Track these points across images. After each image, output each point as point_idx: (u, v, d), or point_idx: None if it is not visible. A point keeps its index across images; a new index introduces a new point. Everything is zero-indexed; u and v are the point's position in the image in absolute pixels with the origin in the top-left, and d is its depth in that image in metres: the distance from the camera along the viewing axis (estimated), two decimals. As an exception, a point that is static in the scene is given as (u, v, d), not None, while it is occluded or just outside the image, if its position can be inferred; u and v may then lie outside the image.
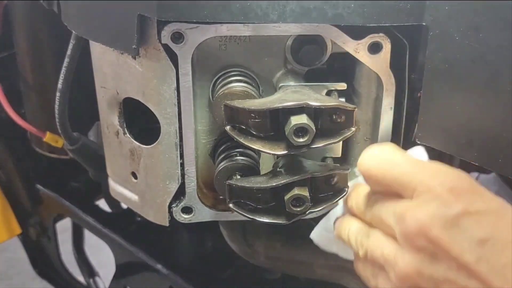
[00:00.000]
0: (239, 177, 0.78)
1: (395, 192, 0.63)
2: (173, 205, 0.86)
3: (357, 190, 0.72)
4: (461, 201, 0.56)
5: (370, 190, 0.69)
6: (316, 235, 0.81)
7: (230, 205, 0.76)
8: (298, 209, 0.72)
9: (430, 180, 0.59)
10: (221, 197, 0.84)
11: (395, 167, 0.62)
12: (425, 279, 0.58)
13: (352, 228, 0.70)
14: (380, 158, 0.65)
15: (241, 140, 0.72)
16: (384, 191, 0.65)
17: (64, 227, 1.65)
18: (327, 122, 0.71)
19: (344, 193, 0.76)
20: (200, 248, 1.32)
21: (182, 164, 0.82)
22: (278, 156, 0.77)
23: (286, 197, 0.72)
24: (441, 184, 0.58)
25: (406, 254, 0.59)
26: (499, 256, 0.55)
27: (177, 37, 0.73)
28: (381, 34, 0.73)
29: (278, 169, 0.76)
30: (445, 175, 0.59)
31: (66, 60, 0.92)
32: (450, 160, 1.19)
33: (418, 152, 0.71)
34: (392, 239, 0.63)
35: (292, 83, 0.78)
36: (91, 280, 1.61)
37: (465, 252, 0.55)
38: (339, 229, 0.73)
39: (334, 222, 0.75)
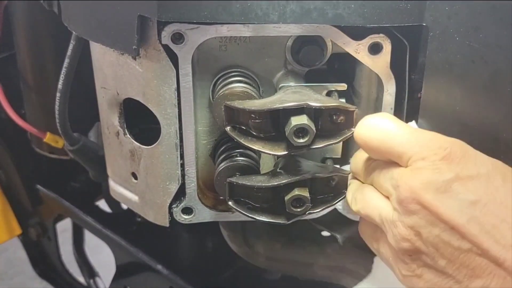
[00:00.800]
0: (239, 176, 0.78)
1: (391, 160, 0.65)
2: (173, 205, 0.86)
3: (357, 156, 0.74)
4: (453, 167, 0.59)
5: (368, 156, 0.71)
6: None
7: (230, 203, 0.76)
8: (298, 209, 0.73)
9: (424, 148, 0.61)
10: (221, 197, 0.85)
11: (391, 138, 0.64)
12: (423, 241, 0.61)
13: (351, 186, 0.74)
14: (375, 128, 0.66)
15: (241, 140, 0.72)
16: (381, 158, 0.67)
17: (64, 228, 1.65)
18: (327, 122, 0.71)
19: (344, 195, 0.76)
20: (200, 248, 1.32)
21: (182, 165, 0.82)
22: (278, 156, 0.77)
23: (287, 198, 0.72)
24: (435, 153, 0.60)
25: (403, 217, 0.62)
26: (489, 217, 0.57)
27: (178, 37, 0.73)
28: (381, 35, 0.73)
29: (278, 170, 0.76)
30: (439, 143, 0.61)
31: (66, 60, 0.92)
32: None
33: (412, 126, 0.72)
34: (389, 202, 0.65)
35: (292, 83, 0.78)
36: (91, 281, 1.61)
37: (456, 215, 0.58)
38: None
39: None
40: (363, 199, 0.70)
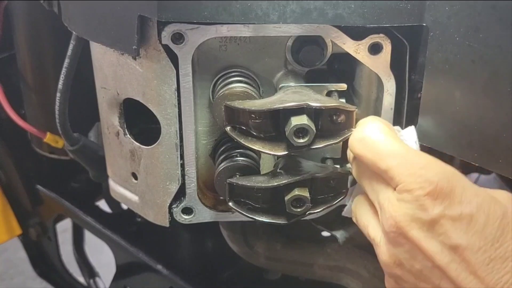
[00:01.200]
0: (239, 176, 0.78)
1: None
2: (174, 205, 0.86)
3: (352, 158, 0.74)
4: (437, 206, 0.58)
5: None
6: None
7: (230, 203, 0.76)
8: (298, 209, 0.73)
9: (412, 179, 0.60)
10: (221, 197, 0.85)
11: (382, 158, 0.63)
12: (404, 271, 0.62)
13: (355, 196, 0.74)
14: (368, 145, 0.65)
15: (242, 140, 0.72)
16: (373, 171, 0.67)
17: (64, 228, 1.65)
18: (328, 122, 0.71)
19: (344, 195, 0.76)
20: (200, 248, 1.32)
21: (182, 165, 0.82)
22: (278, 156, 0.78)
23: (287, 198, 0.72)
24: (421, 186, 0.59)
25: (388, 246, 0.63)
26: (468, 263, 0.57)
27: (178, 37, 0.73)
28: (381, 35, 0.73)
29: (278, 170, 0.76)
30: (427, 176, 0.59)
31: (67, 60, 0.93)
32: (450, 160, 1.20)
33: (409, 133, 0.71)
34: (378, 221, 0.65)
35: (292, 83, 0.78)
36: (91, 281, 1.61)
37: (438, 255, 0.58)
38: None
39: None
40: (356, 212, 0.71)
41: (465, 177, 0.60)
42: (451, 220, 0.58)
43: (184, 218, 0.86)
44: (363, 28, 0.72)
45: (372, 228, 0.66)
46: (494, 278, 0.56)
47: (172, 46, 0.73)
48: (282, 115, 0.71)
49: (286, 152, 0.70)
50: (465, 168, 1.43)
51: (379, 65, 0.75)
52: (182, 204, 0.85)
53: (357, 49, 0.74)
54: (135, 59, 0.78)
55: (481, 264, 0.56)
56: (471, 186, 0.60)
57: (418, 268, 0.60)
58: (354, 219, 0.72)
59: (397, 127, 0.72)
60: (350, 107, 0.70)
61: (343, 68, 0.82)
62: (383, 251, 0.63)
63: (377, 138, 0.64)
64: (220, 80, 0.79)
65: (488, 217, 0.57)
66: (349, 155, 0.70)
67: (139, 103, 0.81)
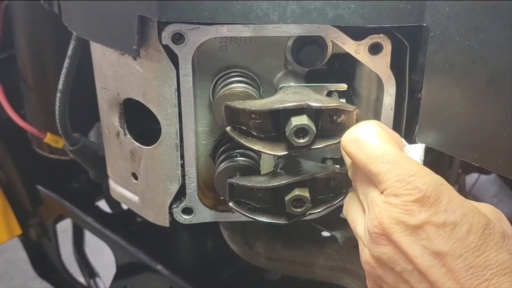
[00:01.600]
0: (239, 177, 0.78)
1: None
2: (174, 205, 0.86)
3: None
4: (423, 212, 0.60)
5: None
6: None
7: (230, 203, 0.76)
8: (299, 210, 0.73)
9: (401, 185, 0.61)
10: (221, 198, 0.85)
11: (372, 161, 0.64)
12: (385, 271, 0.63)
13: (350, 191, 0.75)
14: (360, 146, 0.66)
15: (242, 140, 0.72)
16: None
17: (64, 228, 1.65)
18: (328, 123, 0.71)
19: (344, 195, 0.76)
20: (201, 249, 1.32)
21: (182, 165, 0.82)
22: (278, 157, 0.78)
23: (287, 198, 0.72)
24: (409, 193, 0.60)
25: (371, 246, 0.63)
26: (448, 268, 0.58)
27: (178, 37, 0.73)
28: (381, 35, 0.73)
29: (278, 170, 0.76)
30: (416, 183, 0.61)
31: (67, 61, 0.93)
32: (450, 160, 1.20)
33: (416, 150, 0.72)
34: (364, 219, 0.67)
35: (292, 84, 0.78)
36: (91, 281, 1.61)
37: (419, 258, 0.60)
38: None
39: None
40: (347, 207, 0.72)
41: (452, 188, 0.62)
42: (435, 227, 0.59)
43: (184, 218, 0.86)
44: (363, 28, 0.72)
45: (359, 226, 0.67)
46: (472, 284, 0.57)
47: (172, 46, 0.73)
48: (282, 115, 0.71)
49: (286, 152, 0.70)
50: (465, 168, 1.43)
51: (379, 65, 0.75)
52: (182, 204, 0.85)
53: (357, 49, 0.74)
54: (135, 59, 0.78)
55: (461, 270, 0.58)
56: (457, 196, 0.61)
57: (398, 270, 0.61)
58: (344, 214, 0.72)
59: (404, 142, 0.72)
60: (350, 107, 0.70)
61: (343, 68, 0.82)
62: (366, 250, 0.65)
63: (371, 141, 0.65)
64: (220, 80, 0.79)
65: (471, 226, 0.59)
66: (343, 152, 0.71)
67: (139, 103, 0.81)
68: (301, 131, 0.68)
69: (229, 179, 0.76)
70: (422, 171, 0.62)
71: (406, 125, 0.80)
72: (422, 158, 0.71)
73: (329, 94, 0.79)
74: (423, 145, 0.72)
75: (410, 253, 0.60)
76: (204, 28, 0.73)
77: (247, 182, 0.74)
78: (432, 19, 0.68)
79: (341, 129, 0.71)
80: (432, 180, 0.61)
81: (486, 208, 0.63)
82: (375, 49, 0.74)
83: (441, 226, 0.59)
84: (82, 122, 1.11)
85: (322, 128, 0.71)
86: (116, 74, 0.83)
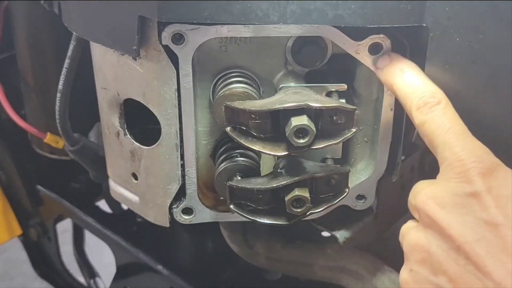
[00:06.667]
0: (239, 178, 0.78)
1: None
2: (174, 206, 0.86)
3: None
4: (485, 181, 0.59)
5: None
6: None
7: (231, 206, 0.76)
8: (299, 210, 0.73)
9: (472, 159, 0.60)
10: (221, 198, 0.85)
11: (441, 134, 0.63)
12: (432, 256, 0.60)
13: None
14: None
15: (242, 141, 0.72)
16: None
17: (64, 228, 1.65)
18: (328, 123, 0.71)
19: (345, 194, 0.76)
20: (201, 249, 1.32)
21: (182, 165, 0.82)
22: (278, 157, 0.78)
23: (287, 198, 0.72)
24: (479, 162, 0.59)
25: (416, 227, 0.63)
26: (500, 240, 0.56)
27: (178, 38, 0.73)
28: (381, 35, 0.73)
29: (278, 170, 0.76)
30: (479, 155, 0.60)
31: (67, 61, 0.93)
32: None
33: None
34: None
35: (292, 84, 0.78)
36: (91, 281, 1.61)
37: (465, 232, 0.58)
38: None
39: None
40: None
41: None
42: (491, 197, 0.58)
43: (184, 219, 0.86)
44: (363, 29, 0.72)
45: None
46: None
47: (172, 46, 0.73)
48: (282, 116, 0.71)
49: (286, 153, 0.70)
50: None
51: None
52: (182, 205, 0.85)
53: (357, 50, 0.74)
54: (135, 59, 0.78)
55: None
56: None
57: (445, 252, 0.59)
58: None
59: None
60: (350, 107, 0.70)
61: (343, 68, 0.82)
62: (412, 234, 0.63)
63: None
64: (220, 81, 0.79)
65: None
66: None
67: (139, 104, 0.82)
68: (301, 131, 0.68)
69: (229, 182, 0.76)
70: (479, 146, 0.62)
71: (406, 125, 0.80)
72: None
73: (329, 94, 0.79)
74: None
75: (456, 231, 0.58)
76: (204, 29, 0.73)
77: (247, 185, 0.74)
78: (432, 20, 0.68)
79: (341, 129, 0.71)
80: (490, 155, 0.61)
81: None
82: (375, 49, 0.74)
83: (498, 197, 0.58)
84: (82, 122, 1.11)
85: (322, 128, 0.71)
86: (116, 74, 0.83)
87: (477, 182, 0.59)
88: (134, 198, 0.92)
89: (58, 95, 0.96)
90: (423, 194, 0.62)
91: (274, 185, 0.72)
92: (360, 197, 0.85)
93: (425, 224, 0.61)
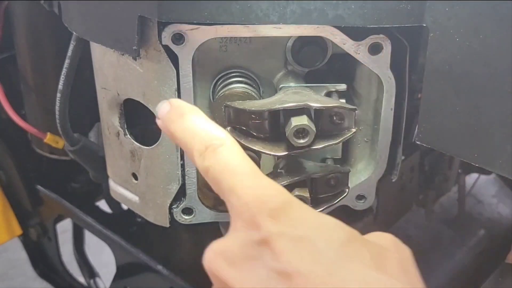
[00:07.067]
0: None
1: None
2: (174, 206, 0.86)
3: None
4: (278, 225, 0.51)
5: None
6: None
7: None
8: (299, 210, 0.72)
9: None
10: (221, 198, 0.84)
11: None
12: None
13: None
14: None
15: (242, 141, 0.72)
16: None
17: (64, 228, 1.65)
18: (328, 123, 0.71)
19: (345, 194, 0.76)
20: (201, 249, 1.32)
21: (182, 165, 0.82)
22: (278, 157, 0.78)
23: (287, 198, 0.72)
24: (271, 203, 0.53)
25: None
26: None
27: (178, 38, 0.73)
28: (381, 35, 0.73)
29: (278, 170, 0.76)
30: (267, 194, 0.53)
31: (67, 61, 0.92)
32: (450, 160, 1.20)
33: None
34: None
35: (292, 84, 0.79)
36: (91, 281, 1.61)
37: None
38: None
39: None
40: None
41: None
42: (289, 241, 0.50)
43: (185, 219, 0.86)
44: (363, 29, 0.72)
45: None
46: None
47: (172, 46, 0.74)
48: (282, 116, 0.71)
49: (286, 153, 0.70)
50: (465, 168, 1.43)
51: (379, 65, 0.75)
52: (182, 205, 0.85)
53: (357, 50, 0.74)
54: (135, 59, 0.78)
55: None
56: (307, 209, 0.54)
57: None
58: None
59: None
60: (350, 108, 0.70)
61: (343, 68, 0.82)
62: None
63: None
64: (220, 81, 0.79)
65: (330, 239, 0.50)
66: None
67: (139, 104, 0.82)
68: (301, 131, 0.68)
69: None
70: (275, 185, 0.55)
71: (406, 125, 0.80)
72: None
73: (329, 94, 0.79)
74: None
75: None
76: (204, 29, 0.73)
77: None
78: (432, 20, 0.68)
79: (341, 129, 0.71)
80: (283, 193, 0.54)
81: (385, 238, 0.56)
82: (375, 49, 0.74)
83: (297, 241, 0.50)
84: (82, 122, 1.11)
85: (322, 128, 0.71)
86: (116, 74, 0.83)
87: (266, 227, 0.50)
88: (134, 198, 0.92)
89: (58, 95, 0.96)
90: (210, 251, 0.54)
91: (274, 185, 0.72)
92: (360, 197, 0.85)
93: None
